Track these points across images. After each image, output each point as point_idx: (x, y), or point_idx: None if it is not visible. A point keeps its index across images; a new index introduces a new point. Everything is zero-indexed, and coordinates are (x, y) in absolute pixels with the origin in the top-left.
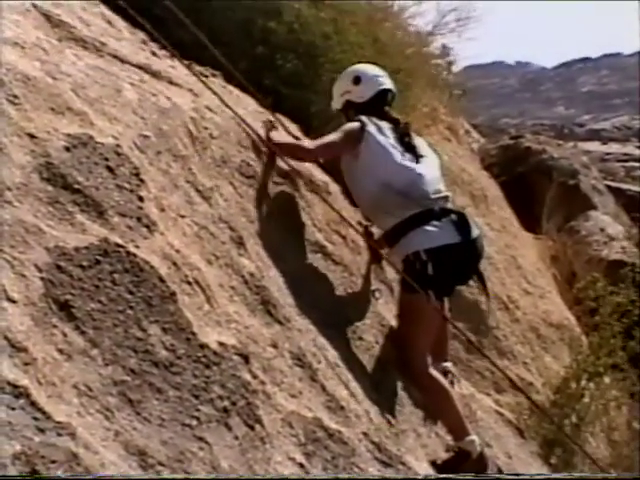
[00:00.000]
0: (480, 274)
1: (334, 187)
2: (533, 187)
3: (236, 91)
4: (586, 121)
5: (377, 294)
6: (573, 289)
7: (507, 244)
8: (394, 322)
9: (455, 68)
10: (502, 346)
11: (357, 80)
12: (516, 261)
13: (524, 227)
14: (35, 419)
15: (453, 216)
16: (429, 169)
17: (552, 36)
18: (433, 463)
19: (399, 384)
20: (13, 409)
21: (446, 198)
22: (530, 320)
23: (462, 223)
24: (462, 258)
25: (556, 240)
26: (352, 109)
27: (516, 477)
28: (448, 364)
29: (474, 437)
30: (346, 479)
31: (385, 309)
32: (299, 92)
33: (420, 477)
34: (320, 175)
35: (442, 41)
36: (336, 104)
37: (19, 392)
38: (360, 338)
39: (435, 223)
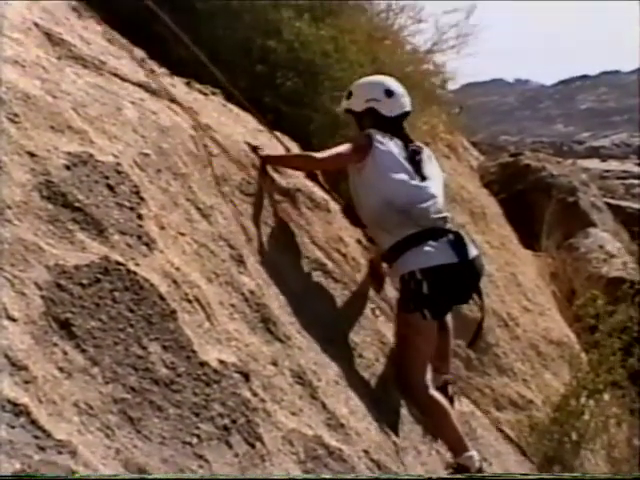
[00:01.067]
0: (479, 292)
1: (334, 205)
2: (532, 204)
3: (236, 109)
4: (585, 138)
5: (377, 312)
6: (573, 306)
7: (507, 261)
8: (393, 340)
9: (454, 86)
10: (502, 363)
11: (389, 94)
12: (516, 278)
13: (523, 244)
14: (35, 437)
15: (450, 236)
16: (432, 189)
17: (551, 54)
18: None
19: (399, 401)
20: (13, 427)
21: (445, 219)
22: (530, 337)
23: (459, 243)
24: (459, 278)
25: (555, 257)
26: (372, 118)
27: (513, 477)
28: (449, 376)
29: (473, 453)
30: (346, 479)
31: (385, 327)
32: (299, 110)
33: (420, 477)
34: (320, 193)
35: (441, 59)
36: (355, 106)
37: (19, 410)
38: (360, 356)
39: (432, 243)
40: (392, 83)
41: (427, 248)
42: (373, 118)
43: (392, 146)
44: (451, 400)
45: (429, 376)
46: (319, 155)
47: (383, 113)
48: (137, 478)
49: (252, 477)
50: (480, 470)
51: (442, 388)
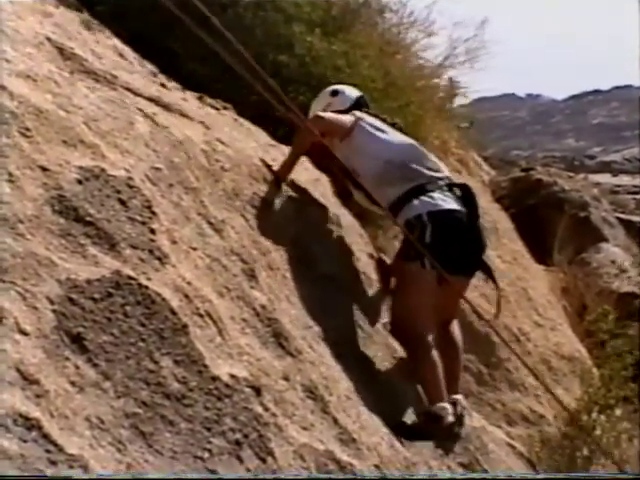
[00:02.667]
0: (486, 266)
1: (346, 220)
2: (544, 219)
3: (247, 124)
4: (597, 153)
5: (389, 326)
6: (584, 321)
7: (518, 276)
8: (405, 353)
9: (465, 100)
10: (513, 378)
11: (335, 93)
12: (527, 293)
13: (535, 259)
14: (47, 451)
15: (457, 190)
16: (421, 147)
17: (563, 68)
18: (401, 424)
19: (411, 416)
20: (25, 441)
21: (448, 178)
22: (541, 352)
23: (468, 194)
24: (464, 230)
25: (567, 272)
26: None
27: (511, 477)
28: (459, 396)
29: (448, 406)
30: (348, 479)
31: (396, 342)
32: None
33: (421, 476)
34: (332, 208)
35: (453, 73)
36: None
37: (31, 424)
38: (372, 370)
39: (439, 193)
40: (332, 86)
41: (436, 194)
42: None
43: (373, 118)
44: (460, 419)
45: (430, 337)
46: (312, 121)
47: (340, 109)
48: (137, 478)
49: (253, 477)
50: (452, 427)
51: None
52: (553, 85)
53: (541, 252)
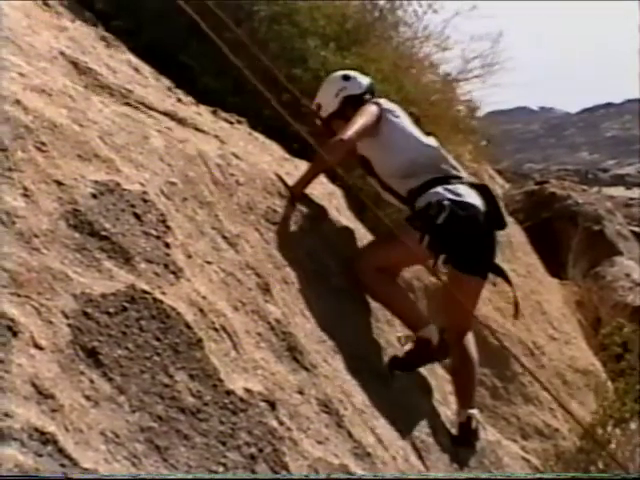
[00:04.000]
0: (499, 268)
1: (360, 233)
2: (558, 233)
3: (261, 138)
4: (610, 166)
5: (403, 340)
6: (599, 335)
7: (532, 290)
8: (422, 368)
9: (479, 113)
10: (528, 392)
11: (347, 77)
12: (541, 307)
13: (549, 273)
14: (62, 466)
15: (477, 190)
16: (441, 149)
17: (575, 82)
18: (395, 358)
19: (426, 430)
20: (40, 455)
21: (467, 179)
22: (556, 366)
23: (487, 197)
24: (483, 230)
25: (581, 286)
26: (351, 105)
27: (511, 477)
28: (474, 411)
29: (432, 325)
30: (350, 479)
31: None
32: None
33: (419, 476)
34: (346, 220)
35: (467, 87)
36: (330, 107)
37: (46, 439)
38: (386, 384)
39: (464, 187)
40: (341, 72)
41: (461, 188)
42: (352, 103)
43: (396, 109)
44: (475, 433)
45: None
46: (343, 136)
47: (356, 93)
48: (137, 478)
49: (254, 477)
50: (442, 340)
51: (466, 423)
52: (566, 98)
53: (555, 265)
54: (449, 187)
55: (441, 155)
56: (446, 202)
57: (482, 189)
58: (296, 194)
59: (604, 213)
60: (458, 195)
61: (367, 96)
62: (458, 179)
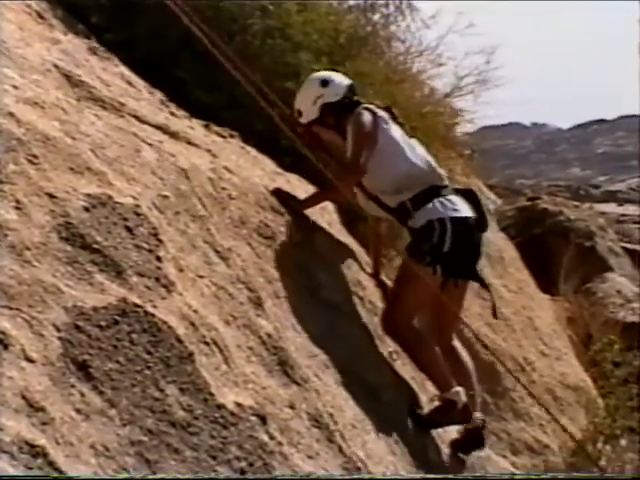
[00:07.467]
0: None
1: (352, 248)
2: (550, 249)
3: (254, 152)
4: (602, 182)
5: (394, 355)
6: (589, 351)
7: (524, 305)
8: (413, 383)
9: (471, 129)
10: (518, 408)
11: (324, 83)
12: (533, 323)
13: (541, 289)
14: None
15: (464, 196)
16: (428, 157)
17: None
18: (418, 415)
19: (417, 445)
20: (30, 468)
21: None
22: (546, 382)
23: (473, 201)
24: (475, 233)
25: (573, 302)
26: (330, 112)
27: (513, 477)
28: (478, 414)
29: (459, 388)
30: (352, 479)
31: (402, 370)
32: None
33: (421, 476)
34: (339, 236)
35: (459, 103)
36: (311, 114)
37: (37, 452)
38: (377, 399)
39: (456, 197)
40: (319, 74)
41: (454, 198)
42: (331, 111)
43: (385, 117)
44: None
45: (416, 321)
46: (350, 165)
47: (333, 100)
48: (137, 478)
49: (254, 477)
50: (465, 406)
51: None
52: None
53: (547, 281)
54: (443, 201)
55: (431, 164)
56: (447, 223)
57: (468, 194)
58: (302, 209)
59: (596, 229)
60: (455, 209)
61: (347, 100)
62: (446, 188)
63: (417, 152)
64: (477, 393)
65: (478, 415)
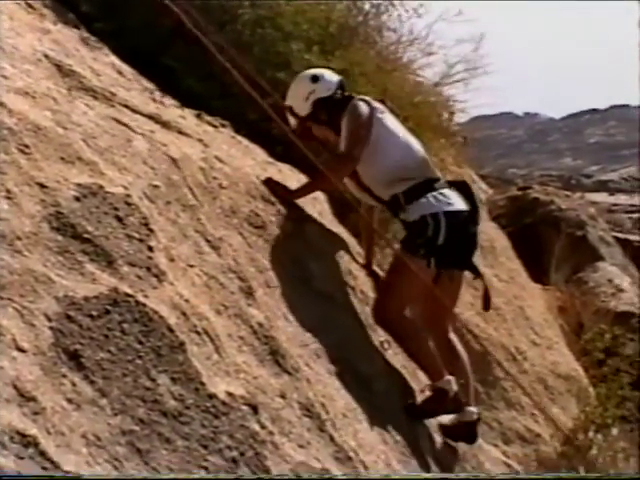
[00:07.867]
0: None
1: (344, 237)
2: (541, 238)
3: (245, 141)
4: (593, 172)
5: (386, 345)
6: (581, 340)
7: (515, 295)
8: (405, 372)
9: (463, 118)
10: (509, 397)
11: (315, 79)
12: (524, 312)
13: (532, 278)
14: (44, 468)
15: (457, 188)
16: (421, 148)
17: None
18: (411, 405)
19: (408, 435)
20: (22, 458)
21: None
22: (538, 371)
23: (467, 193)
24: (469, 226)
25: (564, 291)
26: (323, 108)
27: (513, 477)
28: (474, 409)
29: (450, 377)
30: (350, 479)
31: (394, 359)
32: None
33: (421, 476)
34: (330, 226)
35: (450, 92)
36: (302, 111)
37: (28, 441)
38: (369, 388)
39: (449, 191)
40: (310, 71)
41: (448, 192)
42: (324, 107)
43: (379, 108)
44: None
45: (407, 312)
46: (345, 153)
47: (325, 95)
48: (137, 478)
49: (252, 477)
50: (456, 394)
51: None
52: (551, 104)
53: (538, 271)
54: (437, 195)
55: (425, 157)
56: (441, 217)
57: (461, 186)
58: (294, 198)
59: (587, 219)
60: (449, 203)
61: (337, 95)
62: (439, 181)
63: (412, 143)
64: (472, 386)
65: (474, 409)
